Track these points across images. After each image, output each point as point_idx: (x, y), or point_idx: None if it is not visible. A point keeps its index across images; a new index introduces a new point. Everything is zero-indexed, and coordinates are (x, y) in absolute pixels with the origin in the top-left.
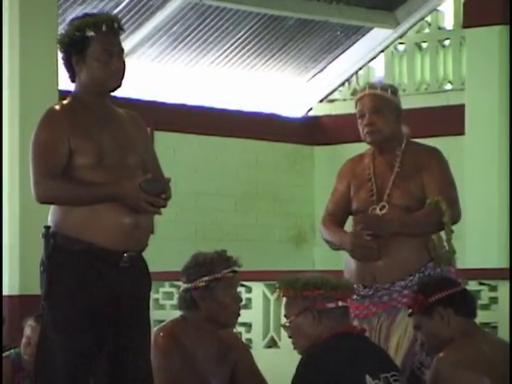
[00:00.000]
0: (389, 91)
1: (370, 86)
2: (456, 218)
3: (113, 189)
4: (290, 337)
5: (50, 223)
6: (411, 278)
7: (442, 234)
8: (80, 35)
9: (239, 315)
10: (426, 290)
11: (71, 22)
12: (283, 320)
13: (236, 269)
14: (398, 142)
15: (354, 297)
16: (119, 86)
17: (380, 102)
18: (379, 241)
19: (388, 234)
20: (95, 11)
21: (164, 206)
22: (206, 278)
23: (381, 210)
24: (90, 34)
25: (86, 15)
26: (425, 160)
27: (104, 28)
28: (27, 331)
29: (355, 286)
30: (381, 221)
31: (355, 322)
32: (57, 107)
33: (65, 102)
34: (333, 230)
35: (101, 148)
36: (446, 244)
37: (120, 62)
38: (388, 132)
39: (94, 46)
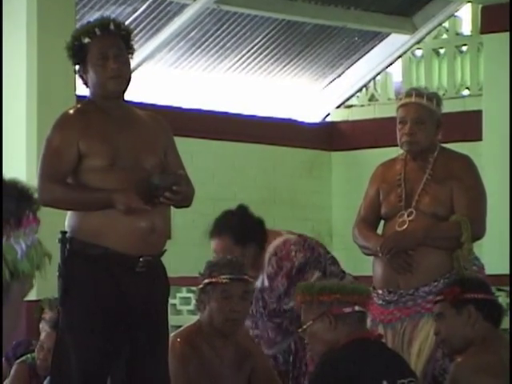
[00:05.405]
0: (434, 102)
1: (416, 93)
2: (478, 235)
3: (110, 194)
4: (307, 342)
5: (66, 228)
6: (435, 283)
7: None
8: (78, 44)
9: (235, 325)
10: (465, 284)
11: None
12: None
13: (240, 277)
14: (432, 149)
15: (379, 302)
16: (123, 88)
17: (424, 114)
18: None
19: (415, 245)
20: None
21: (175, 200)
22: (205, 281)
23: (408, 216)
24: (86, 40)
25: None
26: (457, 170)
27: (98, 32)
28: (41, 336)
29: (380, 291)
30: (403, 236)
31: (379, 327)
32: (70, 111)
33: (79, 105)
34: (366, 235)
35: (115, 150)
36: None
37: (117, 64)
38: (426, 144)
39: (92, 52)
